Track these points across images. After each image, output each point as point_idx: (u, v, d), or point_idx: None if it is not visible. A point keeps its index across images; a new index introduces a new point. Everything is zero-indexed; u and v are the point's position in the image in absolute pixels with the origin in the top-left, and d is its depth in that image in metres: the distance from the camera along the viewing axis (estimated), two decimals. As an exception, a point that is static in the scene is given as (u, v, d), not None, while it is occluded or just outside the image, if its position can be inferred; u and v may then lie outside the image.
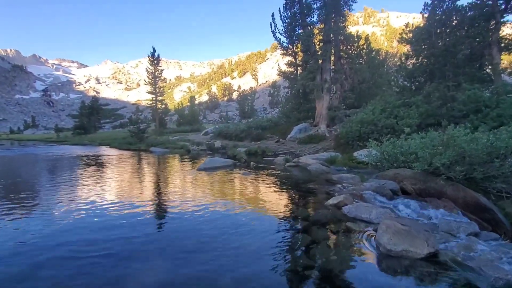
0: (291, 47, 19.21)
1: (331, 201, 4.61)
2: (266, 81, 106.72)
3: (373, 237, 3.16)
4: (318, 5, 17.21)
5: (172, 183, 7.33)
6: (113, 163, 11.80)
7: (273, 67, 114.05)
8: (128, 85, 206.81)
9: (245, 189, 6.44)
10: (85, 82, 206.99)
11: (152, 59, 39.83)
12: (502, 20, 12.31)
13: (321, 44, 17.66)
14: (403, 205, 5.23)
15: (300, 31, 17.91)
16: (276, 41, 19.28)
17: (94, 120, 51.71)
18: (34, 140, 44.54)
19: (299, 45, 19.39)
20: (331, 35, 17.19)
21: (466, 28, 13.79)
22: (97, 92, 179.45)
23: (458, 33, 13.92)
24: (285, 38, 19.06)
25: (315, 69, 16.80)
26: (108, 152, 17.58)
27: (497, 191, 6.08)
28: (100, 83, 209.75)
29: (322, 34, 17.57)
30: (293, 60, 19.76)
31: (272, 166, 10.02)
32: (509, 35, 12.79)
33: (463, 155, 6.07)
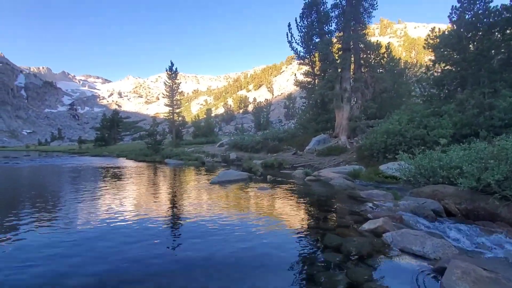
0: (308, 56, 18.68)
1: (367, 226, 3.80)
2: (281, 93, 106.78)
3: (439, 282, 2.32)
4: (336, 13, 16.68)
5: (183, 197, 6.76)
6: (127, 175, 11.49)
7: (288, 79, 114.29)
8: (148, 99, 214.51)
9: (261, 206, 5.74)
10: (108, 97, 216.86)
11: (170, 73, 40.69)
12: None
13: (339, 53, 17.00)
14: (452, 230, 4.32)
15: (317, 40, 17.37)
16: (292, 51, 18.84)
17: (114, 132, 53.17)
18: (58, 152, 46.29)
19: (316, 55, 18.85)
20: (351, 43, 16.51)
21: (501, 31, 12.68)
22: (119, 106, 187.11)
23: (492, 36, 12.82)
24: (302, 47, 18.59)
25: (334, 77, 16.09)
26: (124, 164, 17.48)
27: None
28: (122, 97, 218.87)
29: (340, 42, 16.95)
30: (310, 70, 19.18)
31: (290, 180, 9.26)
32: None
33: (522, 169, 5.10)
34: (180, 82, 42.33)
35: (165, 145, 34.63)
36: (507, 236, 4.50)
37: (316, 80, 18.96)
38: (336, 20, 17.00)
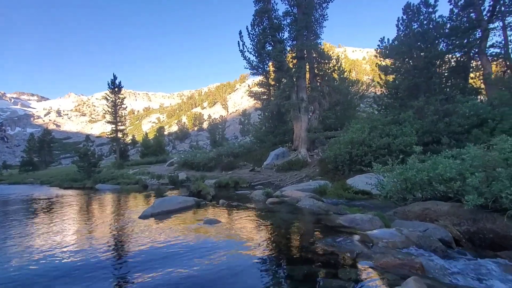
0: (261, 66, 17.60)
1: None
2: (236, 110, 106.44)
3: None
4: (288, 20, 16.00)
5: (87, 248, 4.41)
6: (27, 211, 8.40)
7: (242, 96, 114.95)
8: (92, 118, 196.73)
9: (202, 257, 3.74)
10: (45, 116, 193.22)
11: (112, 87, 36.68)
12: (490, 26, 11.63)
13: (294, 62, 16.23)
14: (485, 272, 2.89)
15: (270, 48, 16.43)
16: (245, 60, 17.59)
17: (44, 154, 45.73)
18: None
19: (270, 64, 17.90)
20: (305, 52, 15.85)
21: (447, 40, 13.06)
22: (57, 125, 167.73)
23: (438, 46, 13.13)
24: (254, 56, 17.46)
25: (290, 86, 15.10)
26: (43, 192, 13.77)
27: None
28: (61, 115, 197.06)
29: (294, 51, 16.22)
30: (264, 79, 18.09)
31: (248, 204, 7.43)
32: (499, 42, 12.14)
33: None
34: (125, 97, 38.46)
35: (106, 167, 30.28)
36: None
37: (271, 91, 17.90)
38: (288, 28, 16.32)
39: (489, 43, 12.28)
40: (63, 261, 3.63)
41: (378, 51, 15.43)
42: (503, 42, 12.50)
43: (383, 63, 15.50)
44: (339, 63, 24.57)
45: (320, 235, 4.33)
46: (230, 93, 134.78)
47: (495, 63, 12.73)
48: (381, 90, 15.24)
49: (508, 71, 12.41)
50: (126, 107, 39.79)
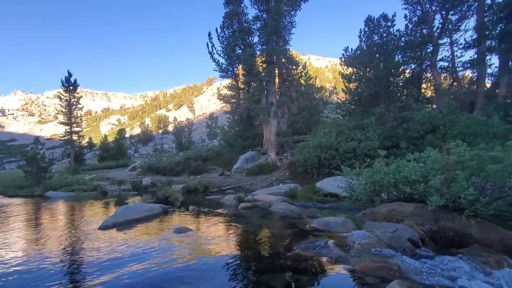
0: (231, 68, 17.49)
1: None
2: (203, 113, 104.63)
3: None
4: (258, 25, 16.12)
5: (36, 267, 3.85)
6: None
7: (209, 99, 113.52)
8: (42, 118, 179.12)
9: (177, 272, 3.48)
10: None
11: (67, 85, 33.69)
12: (439, 42, 12.83)
13: (264, 66, 16.37)
14: (453, 270, 3.06)
15: (240, 51, 16.40)
16: (214, 62, 17.36)
17: (-18, 159, 40.23)
18: None
19: (240, 68, 17.85)
20: (274, 57, 16.08)
21: (403, 53, 14.16)
22: (1, 126, 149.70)
23: (397, 57, 14.20)
24: (224, 59, 17.29)
25: (260, 90, 15.17)
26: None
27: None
28: (5, 115, 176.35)
29: (264, 55, 16.37)
30: (233, 82, 17.98)
31: (219, 210, 7.20)
32: (447, 57, 13.46)
33: (491, 180, 4.47)
34: (81, 96, 35.54)
35: (59, 172, 27.58)
36: (488, 263, 3.59)
37: (240, 94, 17.84)
38: (258, 33, 16.45)
39: (439, 57, 13.60)
40: (2, 279, 3.10)
41: (343, 59, 16.23)
42: (450, 57, 13.93)
43: (346, 72, 16.36)
44: (306, 70, 25.44)
45: (296, 240, 4.28)
46: (197, 96, 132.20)
47: (444, 75, 14.11)
48: (345, 97, 16.02)
49: (455, 83, 13.83)
50: (83, 107, 36.86)
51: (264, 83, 15.33)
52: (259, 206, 7.08)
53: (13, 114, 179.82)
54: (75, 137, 33.58)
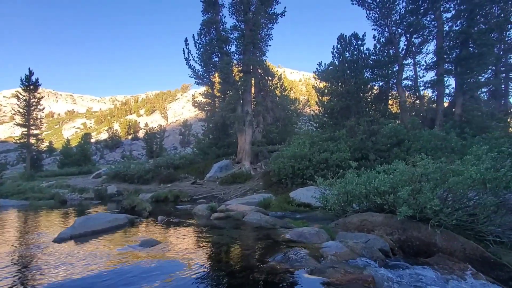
0: (207, 76, 17.32)
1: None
2: (177, 120, 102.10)
3: None
4: (236, 35, 16.24)
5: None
6: None
7: (184, 106, 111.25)
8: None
9: None
10: None
11: (27, 84, 31.20)
12: (404, 62, 13.78)
13: (240, 75, 16.44)
14: (422, 279, 3.15)
15: (216, 59, 16.36)
16: (189, 69, 17.10)
17: None
18: None
19: (216, 75, 17.77)
20: (250, 67, 16.23)
21: (371, 70, 15.01)
22: None
23: (366, 74, 15.01)
24: (200, 66, 17.11)
25: (235, 99, 15.15)
26: None
27: (480, 235, 4.90)
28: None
29: (241, 65, 16.47)
30: (209, 90, 17.80)
31: (191, 220, 6.89)
32: (411, 76, 14.46)
33: (452, 191, 4.74)
34: (42, 97, 33.08)
35: (12, 178, 25.05)
36: (454, 271, 3.76)
37: (216, 102, 17.67)
38: (235, 42, 16.55)
39: (403, 76, 14.62)
40: None
41: (316, 73, 16.80)
42: (414, 76, 15.02)
43: (320, 86, 16.95)
44: (281, 81, 26.01)
45: (270, 252, 4.18)
46: (170, 102, 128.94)
47: (407, 93, 15.16)
48: (318, 110, 16.52)
49: (417, 101, 14.89)
50: (44, 108, 34.27)
51: (240, 92, 15.35)
52: (233, 216, 6.90)
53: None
54: (33, 140, 31.02)
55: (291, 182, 10.62)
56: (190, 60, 17.04)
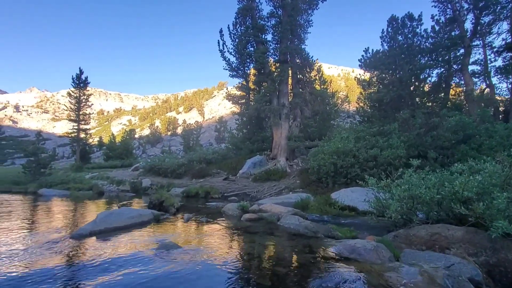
0: (241, 68, 16.57)
1: None
2: (213, 117, 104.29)
3: None
4: (273, 22, 15.23)
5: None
6: None
7: (219, 103, 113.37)
8: (56, 115, 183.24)
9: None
10: (0, 110, 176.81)
11: (77, 82, 33.65)
12: (472, 44, 11.57)
13: (276, 65, 15.40)
14: None
15: (252, 48, 15.50)
16: (224, 61, 16.45)
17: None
18: None
19: (251, 68, 16.93)
20: (288, 56, 15.09)
21: (429, 55, 12.93)
22: (14, 122, 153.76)
23: (423, 60, 12.97)
24: (234, 57, 16.40)
25: (271, 91, 14.16)
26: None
27: None
28: (19, 111, 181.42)
29: (277, 54, 15.42)
30: (244, 83, 17.04)
31: (220, 221, 6.15)
32: (480, 60, 12.14)
33: None
34: (91, 94, 35.46)
35: (64, 169, 27.13)
36: None
37: (250, 95, 16.86)
38: (272, 31, 15.53)
39: (471, 60, 12.30)
40: None
41: (362, 61, 15.09)
42: (482, 61, 12.62)
43: (363, 77, 15.22)
44: (320, 73, 24.35)
45: (312, 271, 3.18)
46: (207, 100, 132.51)
47: (475, 80, 12.81)
48: (358, 106, 14.92)
49: (488, 89, 12.49)
50: (92, 104, 36.83)
51: (276, 84, 14.32)
52: (266, 218, 5.98)
53: (27, 110, 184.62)
54: (82, 135, 33.36)
55: (333, 182, 9.38)
56: (224, 52, 16.42)
